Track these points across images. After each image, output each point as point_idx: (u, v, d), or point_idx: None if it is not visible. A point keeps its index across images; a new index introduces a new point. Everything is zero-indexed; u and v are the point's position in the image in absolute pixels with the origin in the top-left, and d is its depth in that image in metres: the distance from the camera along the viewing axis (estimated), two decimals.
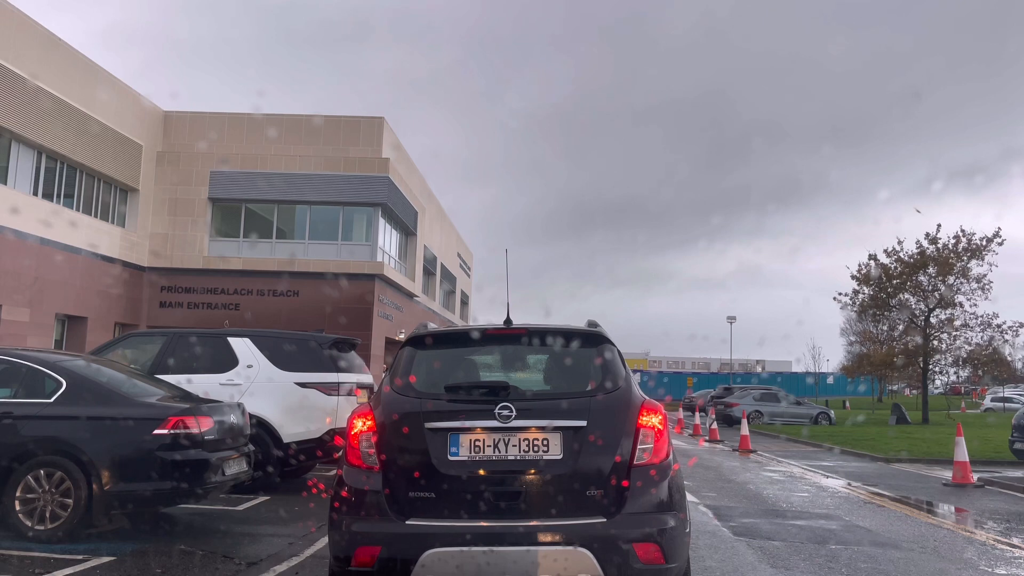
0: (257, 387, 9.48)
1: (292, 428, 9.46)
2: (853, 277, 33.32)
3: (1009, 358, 50.32)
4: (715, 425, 23.85)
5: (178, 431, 6.59)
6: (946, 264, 30.83)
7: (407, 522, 3.92)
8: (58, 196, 23.95)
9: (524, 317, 5.05)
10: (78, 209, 24.84)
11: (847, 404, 53.31)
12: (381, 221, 29.79)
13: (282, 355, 9.80)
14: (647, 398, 4.34)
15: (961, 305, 31.47)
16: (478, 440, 4.04)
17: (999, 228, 30.99)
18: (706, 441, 22.29)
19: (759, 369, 76.24)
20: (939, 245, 31.27)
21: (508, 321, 4.73)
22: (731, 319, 55.24)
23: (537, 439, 4.04)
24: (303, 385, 9.62)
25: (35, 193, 22.86)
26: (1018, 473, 13.72)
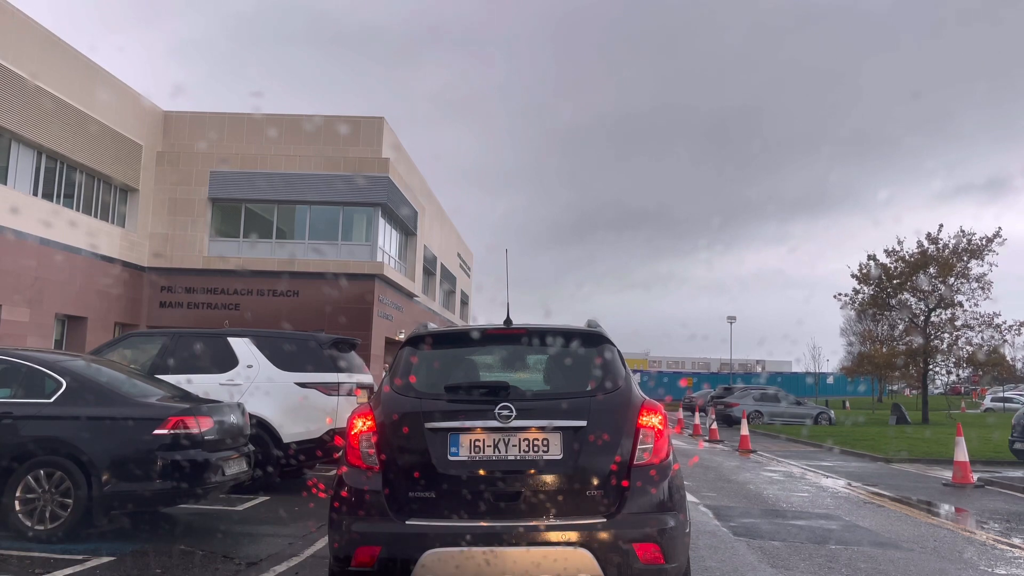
0: (257, 387, 9.48)
1: (292, 428, 9.46)
2: (853, 276, 33.39)
3: (1011, 360, 50.30)
4: (715, 425, 23.82)
5: (178, 431, 6.59)
6: (946, 264, 30.83)
7: (407, 522, 3.92)
8: (58, 196, 23.94)
9: (529, 318, 5.05)
10: (78, 209, 24.83)
11: (847, 404, 53.31)
12: (381, 221, 29.78)
13: (282, 355, 9.81)
14: (647, 398, 4.34)
15: (961, 305, 31.49)
16: (478, 440, 4.04)
17: (999, 228, 31.00)
18: (706, 441, 22.27)
19: (759, 369, 76.14)
20: (939, 245, 31.31)
21: (508, 321, 4.72)
22: (731, 319, 55.35)
23: (537, 439, 4.04)
24: (303, 385, 9.62)
25: (35, 193, 22.85)
26: (1018, 473, 13.71)
